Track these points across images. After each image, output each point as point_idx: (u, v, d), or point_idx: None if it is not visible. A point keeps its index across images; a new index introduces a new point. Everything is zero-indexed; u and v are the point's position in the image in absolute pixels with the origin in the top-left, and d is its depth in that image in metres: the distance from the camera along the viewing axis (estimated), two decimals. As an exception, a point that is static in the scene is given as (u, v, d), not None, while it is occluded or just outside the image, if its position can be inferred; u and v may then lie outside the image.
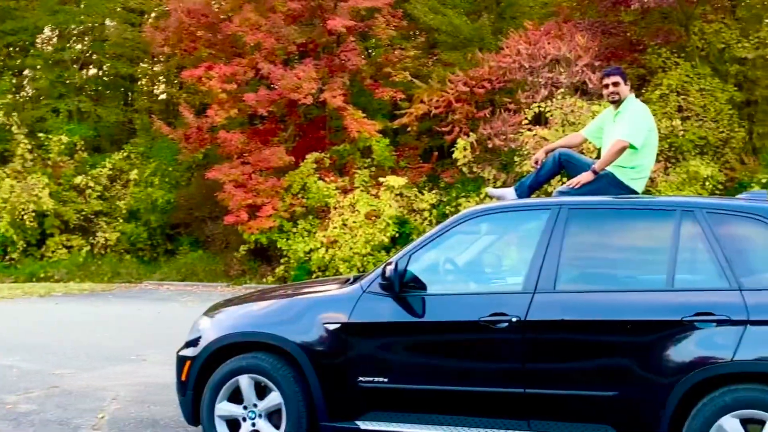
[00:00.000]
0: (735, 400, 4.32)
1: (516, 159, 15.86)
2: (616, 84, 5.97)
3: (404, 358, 5.12)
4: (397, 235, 16.52)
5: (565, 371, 4.73)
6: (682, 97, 16.17)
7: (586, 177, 5.70)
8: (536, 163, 6.13)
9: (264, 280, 17.48)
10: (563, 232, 4.88)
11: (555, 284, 4.79)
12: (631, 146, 5.71)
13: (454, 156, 16.91)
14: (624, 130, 5.76)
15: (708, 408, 4.35)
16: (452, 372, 4.97)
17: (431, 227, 16.56)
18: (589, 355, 4.71)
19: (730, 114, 16.35)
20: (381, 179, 17.02)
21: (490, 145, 16.72)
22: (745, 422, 4.31)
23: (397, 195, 16.98)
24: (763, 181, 14.44)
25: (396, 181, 16.82)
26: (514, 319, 4.75)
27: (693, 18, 16.95)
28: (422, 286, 5.04)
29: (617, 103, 5.99)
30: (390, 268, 4.97)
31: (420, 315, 5.03)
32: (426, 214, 17.02)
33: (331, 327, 5.13)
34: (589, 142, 6.84)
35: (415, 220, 17.03)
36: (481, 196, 16.05)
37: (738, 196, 5.46)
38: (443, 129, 17.49)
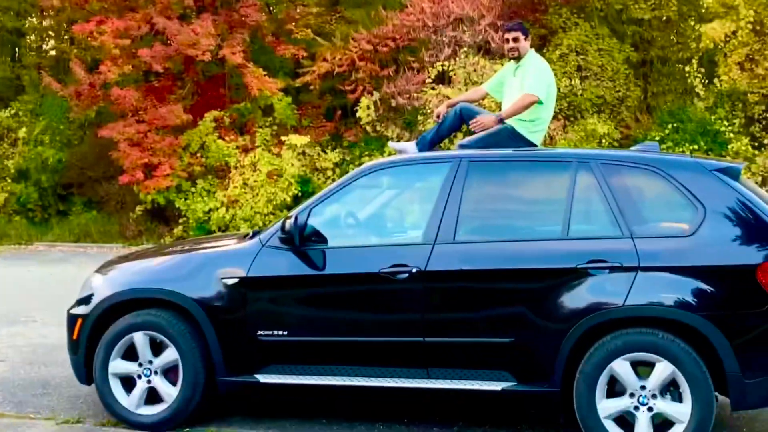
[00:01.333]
0: (626, 343, 4.54)
1: (419, 117, 15.95)
2: (516, 39, 6.09)
3: (304, 311, 5.15)
4: (299, 194, 16.42)
5: (463, 320, 4.86)
6: (581, 56, 16.57)
7: (490, 122, 5.79)
8: (438, 117, 6.21)
9: (161, 240, 17.11)
10: (463, 184, 4.97)
11: (455, 235, 4.89)
12: (538, 101, 5.85)
13: (357, 115, 16.88)
14: (532, 84, 5.88)
15: (600, 352, 4.56)
16: (352, 323, 5.05)
17: (334, 186, 16.64)
18: (487, 303, 4.84)
19: (626, 74, 16.88)
20: (283, 138, 16.83)
21: (393, 104, 16.75)
22: (635, 365, 4.54)
23: (299, 154, 16.85)
24: (657, 138, 15.01)
25: (298, 139, 16.66)
26: (414, 270, 4.84)
27: (593, -21, 17.35)
28: (323, 240, 5.07)
29: (517, 58, 6.11)
30: (290, 222, 4.97)
31: (320, 268, 5.05)
32: (329, 173, 16.97)
33: (230, 282, 5.11)
34: (491, 97, 6.96)
35: (318, 179, 16.96)
36: (385, 154, 16.11)
37: (631, 148, 5.67)
38: (347, 88, 17.41)
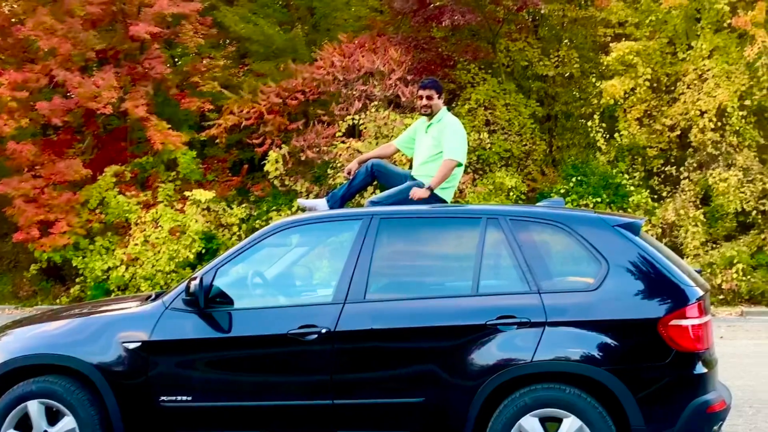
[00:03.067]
0: (534, 399, 4.66)
1: (329, 171, 16.07)
2: (429, 97, 6.29)
3: (210, 375, 5.10)
4: (203, 251, 16.24)
5: (373, 380, 4.91)
6: (489, 111, 17.14)
7: (424, 193, 5.91)
8: (349, 173, 6.32)
9: (57, 301, 16.59)
10: (374, 241, 5.06)
11: (365, 294, 4.96)
12: (458, 164, 6.05)
13: (265, 169, 16.84)
14: (453, 149, 6.08)
15: (509, 409, 4.67)
16: (260, 387, 5.03)
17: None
18: (397, 362, 4.90)
19: (532, 128, 17.55)
20: (187, 193, 16.66)
21: (303, 158, 16.82)
22: (544, 421, 4.65)
23: (204, 209, 16.69)
24: (562, 191, 15.59)
25: (203, 194, 16.51)
26: (323, 331, 4.87)
27: (499, 36, 18.05)
28: (229, 301, 5.06)
29: (430, 115, 6.29)
30: (195, 283, 4.94)
31: (226, 330, 5.03)
32: (235, 228, 16.84)
33: (131, 346, 5.04)
34: (402, 153, 7.11)
35: (224, 235, 16.81)
36: (293, 209, 16.14)
37: (537, 204, 5.87)
38: (254, 141, 17.41)
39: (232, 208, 17.15)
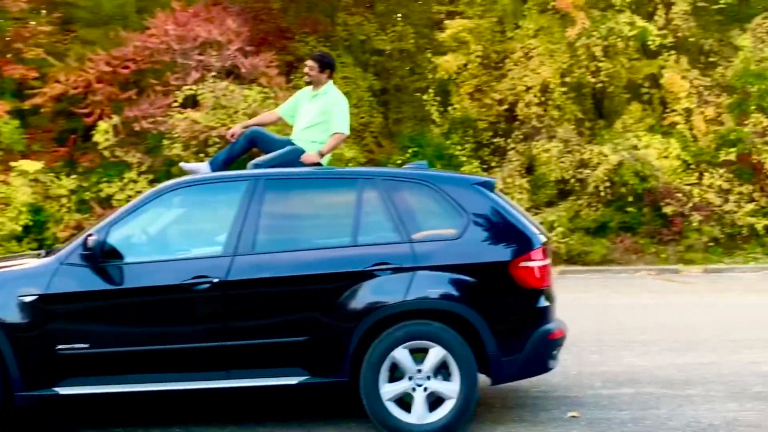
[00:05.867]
0: (405, 333, 5.52)
1: (165, 142, 16.19)
2: (312, 68, 7.00)
3: (108, 323, 5.59)
4: (31, 223, 16.00)
5: (261, 323, 5.60)
6: (328, 84, 17.88)
7: (313, 157, 6.58)
8: (232, 136, 6.89)
9: None
10: (261, 200, 5.74)
11: (254, 247, 5.63)
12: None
13: (94, 139, 16.72)
14: (341, 123, 6.84)
15: (384, 342, 5.50)
16: (155, 334, 5.61)
17: (70, 214, 16.41)
18: (283, 306, 5.62)
19: (369, 101, 18.51)
20: (13, 164, 16.30)
21: (137, 128, 16.80)
22: (413, 351, 5.52)
23: (31, 181, 16.41)
24: (398, 162, 16.61)
25: (31, 165, 16.21)
26: (215, 280, 5.50)
27: (338, 10, 18.88)
28: (124, 256, 5.58)
29: (313, 85, 6.99)
30: (92, 239, 5.43)
31: (123, 282, 5.55)
32: (64, 200, 16.66)
33: (28, 300, 5.43)
34: (284, 120, 7.67)
35: (52, 207, 16.60)
36: (125, 181, 16.27)
37: (404, 166, 6.74)
38: (82, 111, 17.23)
39: (60, 180, 16.94)
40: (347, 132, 6.94)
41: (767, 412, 5.96)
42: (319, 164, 6.66)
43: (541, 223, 16.55)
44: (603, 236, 17.01)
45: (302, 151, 6.68)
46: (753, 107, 18.51)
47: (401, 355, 5.50)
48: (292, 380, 5.52)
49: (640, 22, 18.00)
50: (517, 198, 16.87)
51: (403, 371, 5.51)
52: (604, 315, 10.50)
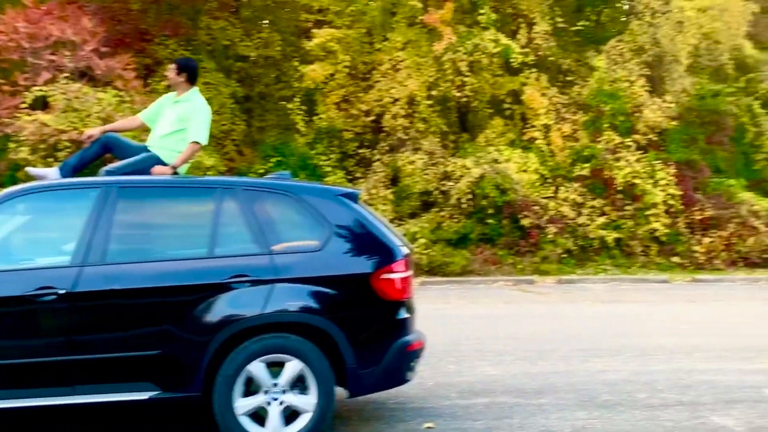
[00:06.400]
0: (262, 347, 5.44)
1: (11, 145, 15.43)
2: (171, 71, 6.85)
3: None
4: None
5: (111, 336, 5.37)
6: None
7: (164, 170, 6.35)
8: (88, 138, 6.60)
9: None
10: (113, 209, 5.53)
11: (104, 257, 5.42)
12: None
13: (-75, 141, 15.78)
14: (199, 132, 6.61)
15: (239, 356, 5.40)
16: (-5, 348, 5.28)
17: None
18: (135, 319, 5.41)
19: (232, 108, 18.27)
20: None
21: (-21, 129, 16.00)
22: (270, 365, 5.45)
23: None
24: (260, 171, 16.53)
25: None
26: (61, 292, 5.25)
27: (201, 13, 18.54)
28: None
29: (177, 90, 6.79)
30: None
31: (-44, 293, 5.22)
32: None
33: None
34: (147, 126, 7.40)
35: None
36: (-34, 185, 15.40)
37: (265, 177, 6.67)
38: None
39: None
40: (204, 142, 6.71)
41: (613, 420, 6.23)
42: (175, 172, 6.50)
43: (404, 235, 16.84)
44: (464, 248, 17.42)
45: (158, 158, 6.49)
46: (606, 125, 19.48)
47: (257, 368, 5.42)
48: (143, 395, 5.34)
49: (504, 40, 18.62)
50: (381, 209, 17.05)
51: (259, 385, 5.43)
52: (461, 325, 10.74)
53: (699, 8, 20.08)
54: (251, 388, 5.44)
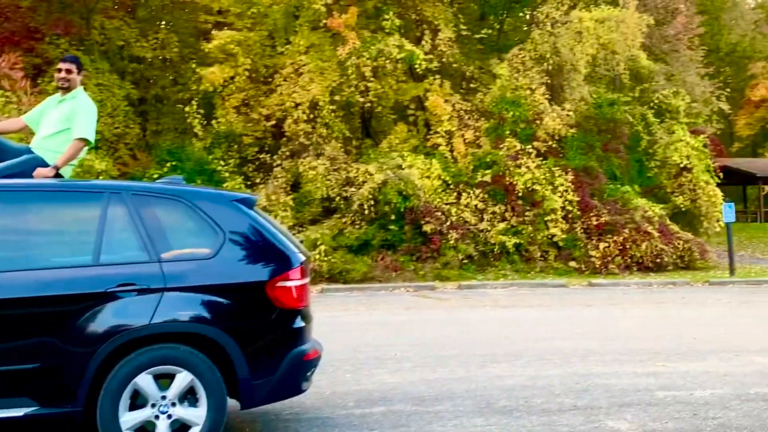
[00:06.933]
0: (150, 359, 5.23)
1: None
2: (69, 71, 6.50)
3: None
4: None
5: (-17, 349, 5.08)
6: (80, 90, 17.03)
7: (46, 172, 6.07)
8: None
9: None
10: None
11: None
12: (88, 142, 6.34)
13: None
14: (85, 129, 6.32)
15: (125, 369, 5.18)
16: None
17: None
18: (12, 331, 5.12)
19: (126, 110, 17.82)
20: None
21: None
22: (158, 377, 5.25)
23: None
24: (155, 176, 16.08)
25: None
26: (-72, 303, 4.94)
27: (95, 12, 18.00)
28: None
29: (66, 89, 6.50)
30: None
31: None
32: None
33: None
34: (30, 128, 7.07)
35: None
36: None
37: (157, 181, 6.45)
38: None
39: None
40: (90, 138, 6.43)
41: (510, 426, 6.27)
42: (59, 176, 6.23)
43: (305, 241, 16.67)
44: (365, 254, 17.42)
45: (41, 160, 6.21)
46: (508, 132, 19.82)
47: (144, 381, 5.22)
48: (17, 412, 5.06)
49: (408, 46, 18.73)
50: (282, 215, 16.89)
51: (146, 398, 5.22)
52: (361, 333, 10.71)
53: (597, 19, 20.65)
54: (138, 401, 5.23)
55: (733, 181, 40.18)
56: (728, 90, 31.20)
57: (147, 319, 5.25)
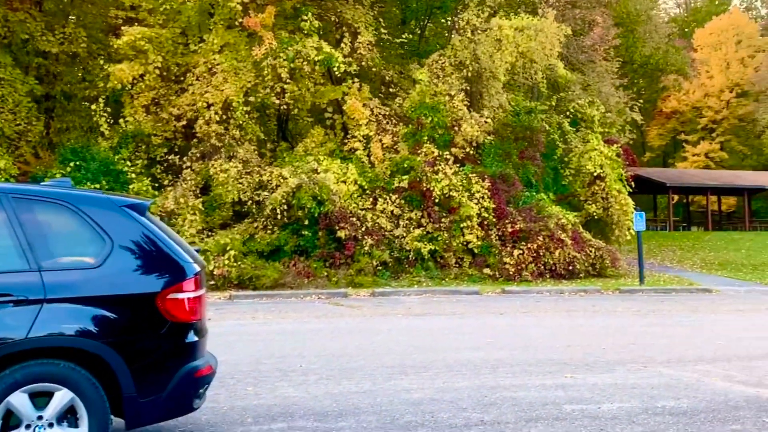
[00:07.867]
0: (25, 376, 4.85)
1: None
2: None
3: None
4: None
5: None
6: (-20, 84, 16.34)
7: None
8: None
9: None
10: None
11: None
12: None
13: None
14: None
15: (-3, 386, 4.81)
16: None
17: None
18: None
19: (29, 107, 17.12)
20: None
21: None
22: (35, 396, 4.88)
23: None
24: (58, 176, 15.49)
25: None
26: None
27: (-1, 3, 17.25)
28: None
29: None
30: None
31: None
32: None
33: None
34: None
35: None
36: None
37: (43, 183, 6.04)
38: None
39: None
40: None
41: (413, 443, 6.10)
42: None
43: (214, 246, 16.26)
44: (277, 260, 17.09)
45: None
46: (426, 138, 19.77)
47: (18, 400, 4.83)
48: None
49: (327, 48, 18.49)
50: (190, 219, 16.45)
51: (20, 419, 4.85)
52: (266, 342, 10.39)
53: (517, 27, 20.79)
54: (11, 422, 4.86)
55: (644, 190, 41.24)
56: (641, 101, 31.96)
57: (24, 332, 4.87)
